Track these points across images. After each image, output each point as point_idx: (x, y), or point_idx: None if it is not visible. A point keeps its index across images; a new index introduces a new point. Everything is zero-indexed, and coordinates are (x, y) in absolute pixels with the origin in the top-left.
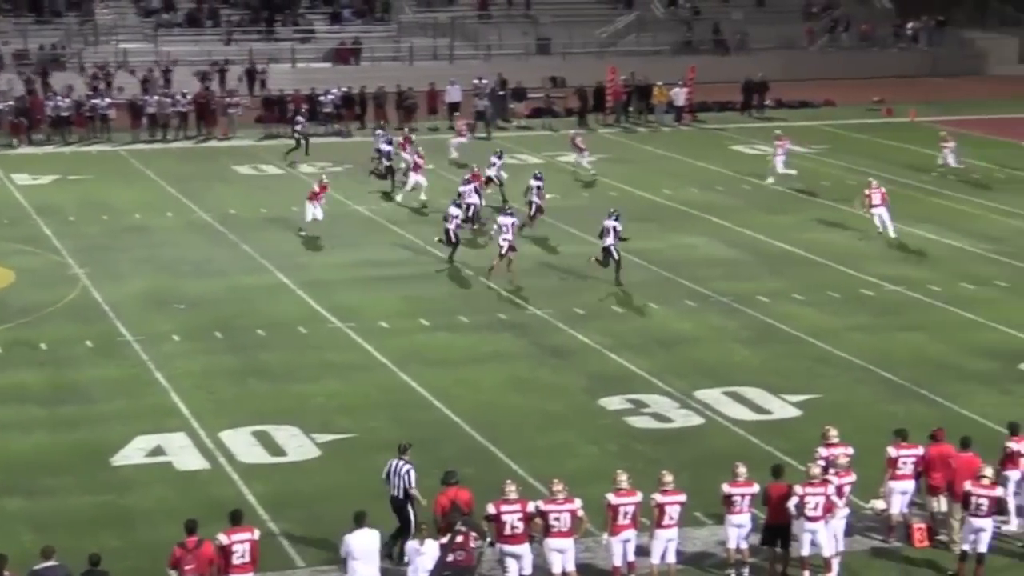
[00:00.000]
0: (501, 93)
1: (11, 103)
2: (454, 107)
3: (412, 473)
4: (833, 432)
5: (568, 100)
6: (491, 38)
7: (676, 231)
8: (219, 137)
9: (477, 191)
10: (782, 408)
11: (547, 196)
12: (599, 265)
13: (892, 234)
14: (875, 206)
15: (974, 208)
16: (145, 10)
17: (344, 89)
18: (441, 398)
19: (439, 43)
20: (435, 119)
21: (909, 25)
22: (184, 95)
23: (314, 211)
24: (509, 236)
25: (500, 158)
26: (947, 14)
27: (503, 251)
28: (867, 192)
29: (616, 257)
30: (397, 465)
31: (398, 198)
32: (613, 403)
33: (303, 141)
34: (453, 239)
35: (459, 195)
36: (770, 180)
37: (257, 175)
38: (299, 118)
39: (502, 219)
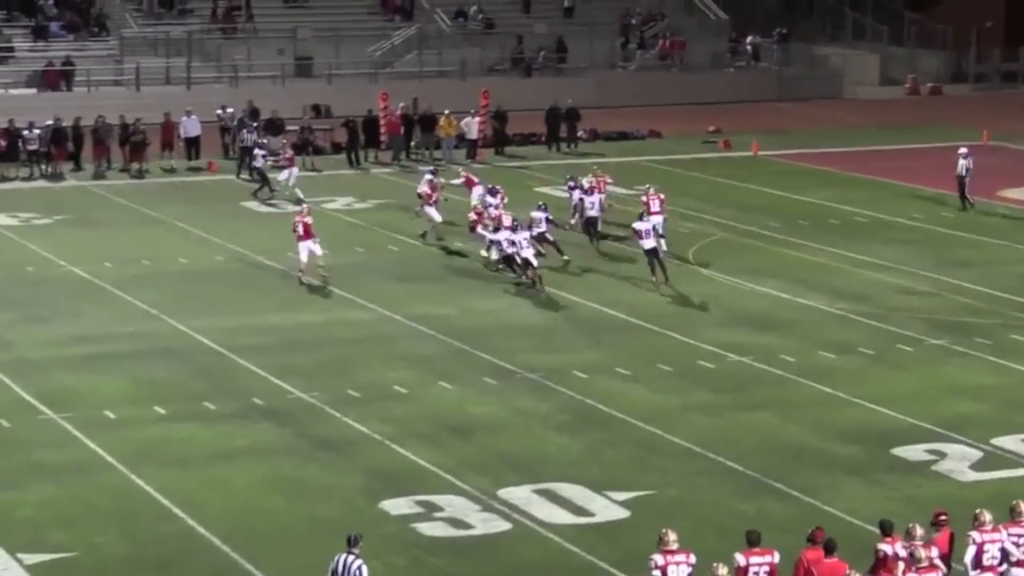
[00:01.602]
0: (253, 125)
1: None
2: (192, 142)
3: (364, 569)
4: (672, 536)
5: (334, 133)
6: (238, 57)
7: (472, 293)
8: None
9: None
10: (607, 508)
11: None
12: (652, 271)
13: (664, 247)
14: (654, 213)
15: (832, 259)
16: None
17: (53, 121)
18: (184, 505)
19: (173, 64)
20: (170, 157)
21: (748, 39)
22: None
23: (312, 247)
24: (531, 250)
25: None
26: (793, 27)
27: (535, 262)
28: (645, 199)
29: (659, 257)
30: (346, 561)
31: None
32: (399, 506)
33: (263, 177)
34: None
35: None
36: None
37: None
38: (257, 150)
39: (516, 237)
